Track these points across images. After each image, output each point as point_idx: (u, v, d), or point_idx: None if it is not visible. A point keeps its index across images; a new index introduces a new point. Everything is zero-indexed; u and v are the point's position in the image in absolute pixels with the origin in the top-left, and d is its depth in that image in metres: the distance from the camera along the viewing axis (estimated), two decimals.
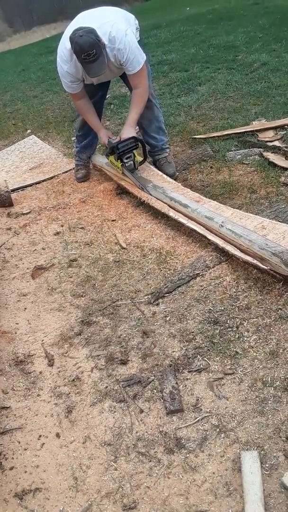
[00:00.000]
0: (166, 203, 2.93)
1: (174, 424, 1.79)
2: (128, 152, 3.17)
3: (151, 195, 3.08)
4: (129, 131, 3.16)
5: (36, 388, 2.05)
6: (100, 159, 3.72)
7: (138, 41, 3.08)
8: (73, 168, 3.88)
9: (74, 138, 3.99)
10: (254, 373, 1.89)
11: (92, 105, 3.29)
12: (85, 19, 2.94)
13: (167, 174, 3.36)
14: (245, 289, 2.29)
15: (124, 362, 2.07)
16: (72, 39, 2.77)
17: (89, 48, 2.72)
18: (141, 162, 3.33)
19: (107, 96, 4.74)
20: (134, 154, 3.21)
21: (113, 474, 1.67)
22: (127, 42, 2.85)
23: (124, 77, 3.21)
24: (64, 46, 2.90)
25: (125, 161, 3.19)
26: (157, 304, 2.35)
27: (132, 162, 3.21)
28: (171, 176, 3.36)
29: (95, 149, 3.79)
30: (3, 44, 15.03)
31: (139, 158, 3.30)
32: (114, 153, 3.21)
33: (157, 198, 3.01)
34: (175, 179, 3.34)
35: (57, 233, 3.11)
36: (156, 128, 3.45)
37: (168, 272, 2.54)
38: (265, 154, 3.46)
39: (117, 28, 2.84)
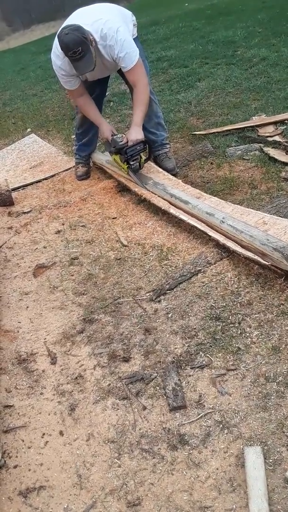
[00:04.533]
0: (166, 200, 2.93)
1: (177, 420, 1.79)
2: (135, 155, 3.14)
3: (154, 194, 3.06)
4: (137, 132, 3.10)
5: (39, 386, 2.05)
6: (100, 157, 3.71)
7: (135, 38, 3.07)
8: (74, 166, 3.88)
9: (74, 136, 3.99)
10: (256, 369, 1.89)
11: (93, 101, 3.28)
12: (79, 16, 2.95)
13: (166, 169, 3.35)
14: (247, 285, 2.29)
15: (126, 360, 2.07)
16: (59, 37, 2.79)
17: (74, 46, 2.73)
18: (145, 161, 3.31)
19: (106, 94, 4.76)
20: (140, 156, 3.19)
21: (117, 471, 1.67)
22: (118, 39, 2.84)
23: (122, 74, 3.21)
24: (58, 42, 2.91)
25: (132, 163, 3.16)
26: (159, 301, 2.35)
27: (137, 163, 3.19)
28: (171, 171, 3.36)
29: (95, 146, 3.79)
30: (2, 43, 15.02)
31: (143, 158, 3.27)
32: (121, 154, 3.17)
33: (157, 195, 3.01)
34: (175, 175, 3.34)
35: (58, 232, 3.11)
36: (155, 124, 3.45)
37: (170, 269, 2.54)
38: (265, 149, 3.45)
39: (109, 25, 2.84)
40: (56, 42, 2.93)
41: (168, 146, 3.55)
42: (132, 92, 3.18)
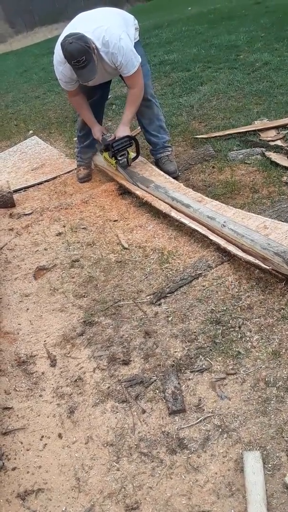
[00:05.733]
0: (168, 203, 2.93)
1: (176, 424, 1.78)
2: (122, 150, 3.28)
3: (141, 189, 3.16)
4: (124, 129, 3.24)
5: (38, 388, 2.05)
6: (102, 159, 3.72)
7: (137, 42, 3.12)
8: (75, 169, 3.89)
9: (76, 138, 3.99)
10: (256, 373, 1.88)
11: (86, 101, 3.34)
12: (81, 21, 2.98)
13: (168, 172, 3.37)
14: (247, 289, 2.28)
15: (126, 363, 2.07)
16: (62, 45, 2.82)
17: (78, 55, 2.76)
18: (134, 159, 3.42)
19: (108, 97, 4.77)
20: (127, 152, 3.31)
21: (115, 474, 1.67)
22: (121, 46, 2.88)
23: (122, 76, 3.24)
24: (60, 48, 2.93)
25: (119, 158, 3.30)
26: (159, 305, 2.35)
27: (125, 159, 3.33)
28: (172, 173, 3.38)
29: (97, 149, 3.80)
30: (5, 45, 15.04)
31: (132, 155, 3.39)
32: (109, 150, 3.31)
33: (158, 198, 3.01)
34: (176, 177, 3.35)
35: (59, 234, 3.11)
36: (157, 127, 3.49)
37: (170, 272, 2.54)
38: (267, 153, 3.46)
39: (110, 32, 2.87)
40: (58, 48, 2.95)
41: (169, 149, 3.57)
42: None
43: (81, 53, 2.75)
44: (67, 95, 3.47)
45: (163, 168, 3.44)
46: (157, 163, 3.54)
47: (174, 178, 3.34)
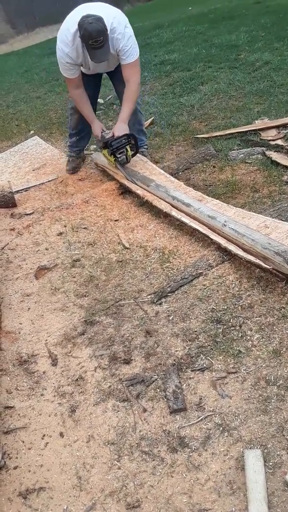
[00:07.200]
0: (168, 202, 2.93)
1: (177, 423, 1.79)
2: (121, 148, 3.32)
3: (139, 186, 3.21)
4: (122, 127, 3.30)
5: (39, 387, 2.06)
6: (103, 159, 3.72)
7: None
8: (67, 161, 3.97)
9: (68, 135, 4.04)
10: (257, 372, 1.89)
11: (87, 97, 3.39)
12: (88, 9, 3.01)
13: None
14: (248, 288, 2.29)
15: (127, 362, 2.07)
16: (81, 25, 2.86)
17: (97, 35, 2.83)
18: (133, 155, 3.46)
19: (109, 97, 4.80)
20: (126, 149, 3.35)
21: (116, 473, 1.68)
22: (126, 33, 3.01)
23: (114, 79, 3.38)
24: (68, 30, 2.98)
25: (118, 156, 3.35)
26: (160, 304, 2.35)
27: (124, 156, 3.37)
28: None
29: (88, 140, 3.91)
30: (6, 46, 15.05)
31: (130, 152, 3.42)
32: (108, 148, 3.35)
33: (159, 197, 3.02)
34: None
35: (60, 234, 3.12)
36: (138, 130, 3.63)
37: (171, 271, 2.54)
38: (267, 153, 3.46)
39: (118, 20, 2.99)
40: (65, 30, 2.99)
41: (146, 147, 3.79)
42: (120, 92, 3.38)
43: (100, 34, 2.83)
44: (68, 88, 3.46)
45: None
46: None
47: None
